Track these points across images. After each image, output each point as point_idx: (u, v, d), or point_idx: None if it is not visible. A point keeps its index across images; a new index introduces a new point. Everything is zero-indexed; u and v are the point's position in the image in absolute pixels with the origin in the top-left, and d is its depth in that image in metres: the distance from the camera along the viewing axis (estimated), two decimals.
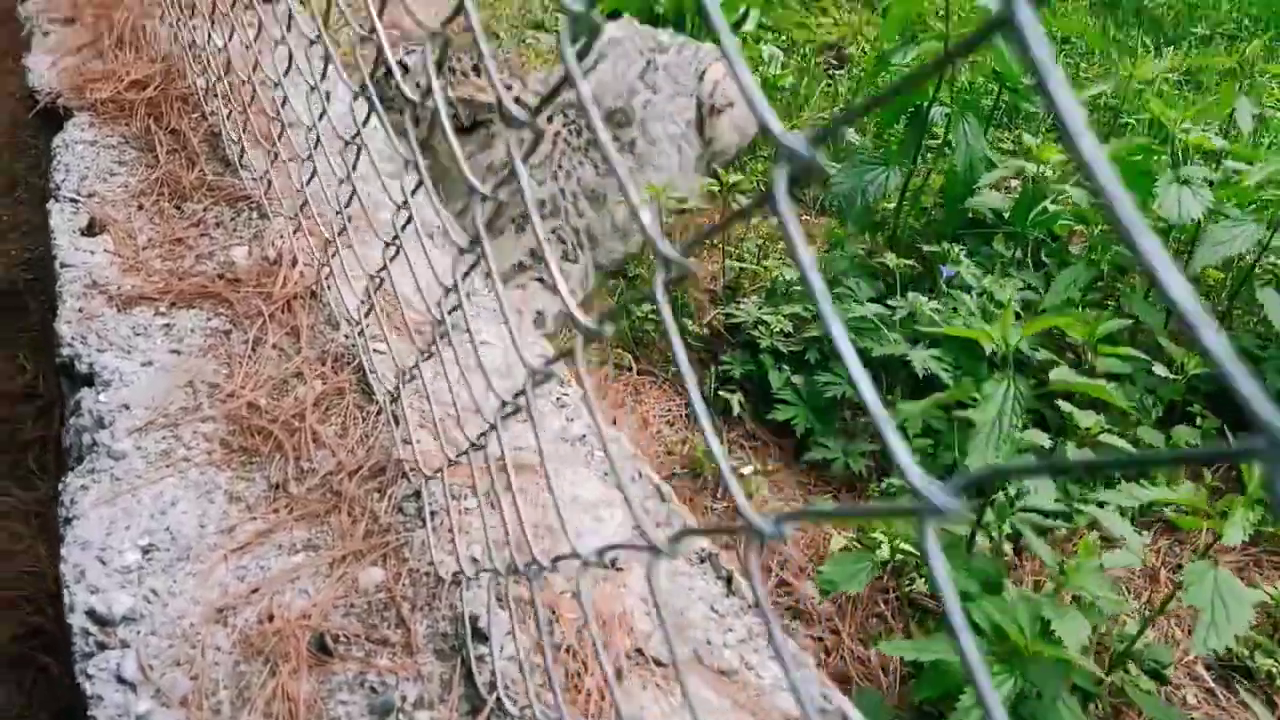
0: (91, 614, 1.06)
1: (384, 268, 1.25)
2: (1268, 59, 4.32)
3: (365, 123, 1.23)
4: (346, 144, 1.29)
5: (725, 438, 2.25)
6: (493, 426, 0.98)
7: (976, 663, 0.39)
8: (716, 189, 2.62)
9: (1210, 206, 2.04)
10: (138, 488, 1.21)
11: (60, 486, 1.25)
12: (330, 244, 1.44)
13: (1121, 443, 1.83)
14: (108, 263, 1.64)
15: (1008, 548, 1.72)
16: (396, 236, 1.22)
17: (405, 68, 2.54)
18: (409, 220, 1.16)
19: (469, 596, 1.05)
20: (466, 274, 1.07)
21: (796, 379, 2.25)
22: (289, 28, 1.47)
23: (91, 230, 1.70)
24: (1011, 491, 1.41)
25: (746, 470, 2.18)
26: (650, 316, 2.51)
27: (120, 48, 2.35)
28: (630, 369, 2.46)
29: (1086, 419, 1.81)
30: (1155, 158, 2.21)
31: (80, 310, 1.51)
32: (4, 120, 3.24)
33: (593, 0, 0.67)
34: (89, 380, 1.39)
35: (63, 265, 1.62)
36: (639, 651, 1.04)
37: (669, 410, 2.36)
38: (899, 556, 1.77)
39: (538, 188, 2.59)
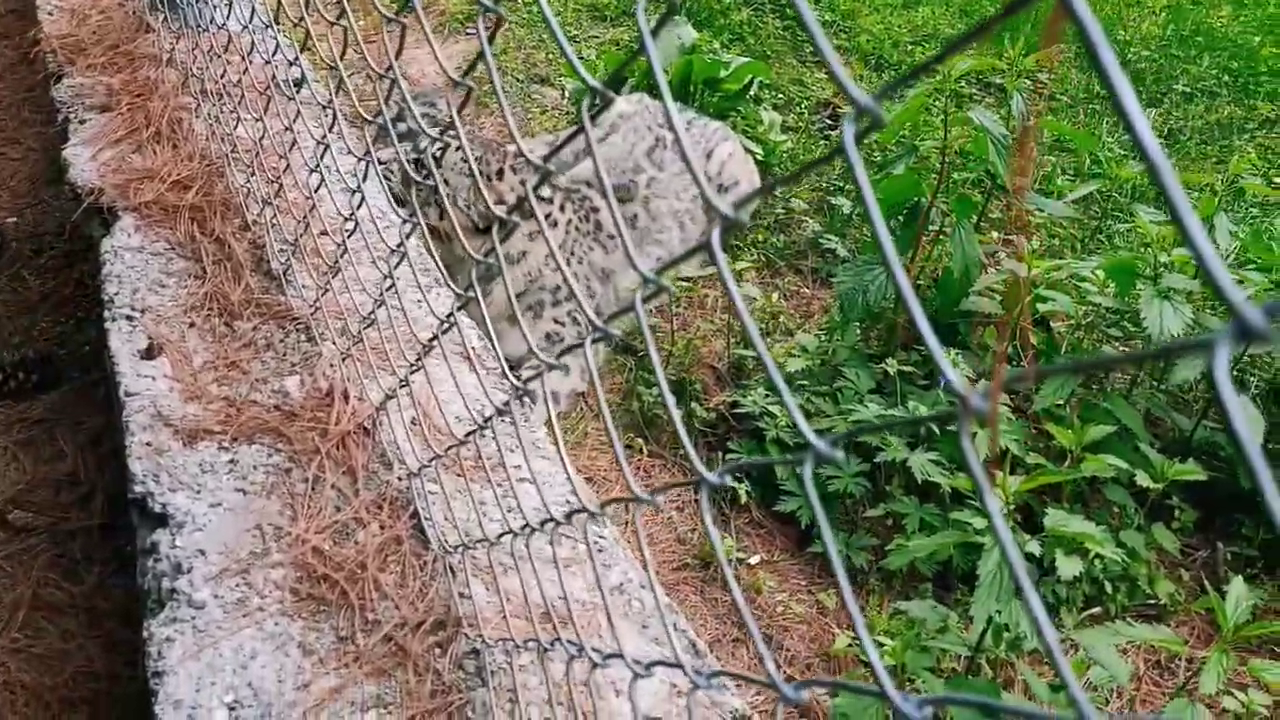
0: None
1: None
2: (1244, 122, 4.50)
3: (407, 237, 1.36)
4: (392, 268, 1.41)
5: (733, 527, 2.39)
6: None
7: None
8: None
9: (1189, 321, 2.18)
10: (219, 640, 1.33)
11: (145, 634, 1.37)
12: (390, 395, 1.56)
13: (1109, 551, 1.97)
14: (168, 389, 1.75)
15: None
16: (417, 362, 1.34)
17: (421, 164, 2.65)
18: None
19: None
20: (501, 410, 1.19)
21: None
22: (332, 128, 1.59)
23: (150, 354, 1.82)
24: (1014, 636, 1.55)
25: (754, 560, 2.31)
26: (661, 400, 2.64)
27: (158, 142, 2.45)
28: (641, 451, 2.59)
29: (1072, 526, 1.96)
30: (1139, 266, 2.35)
31: (148, 444, 1.63)
32: (22, 185, 3.33)
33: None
34: (163, 520, 1.51)
35: (127, 394, 1.73)
36: None
37: (678, 495, 2.49)
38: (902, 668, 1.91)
39: (550, 274, 2.71)
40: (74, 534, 2.23)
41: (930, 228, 2.67)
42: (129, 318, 1.91)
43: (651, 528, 2.38)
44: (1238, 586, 1.53)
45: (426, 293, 1.68)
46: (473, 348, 1.92)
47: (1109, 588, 2.11)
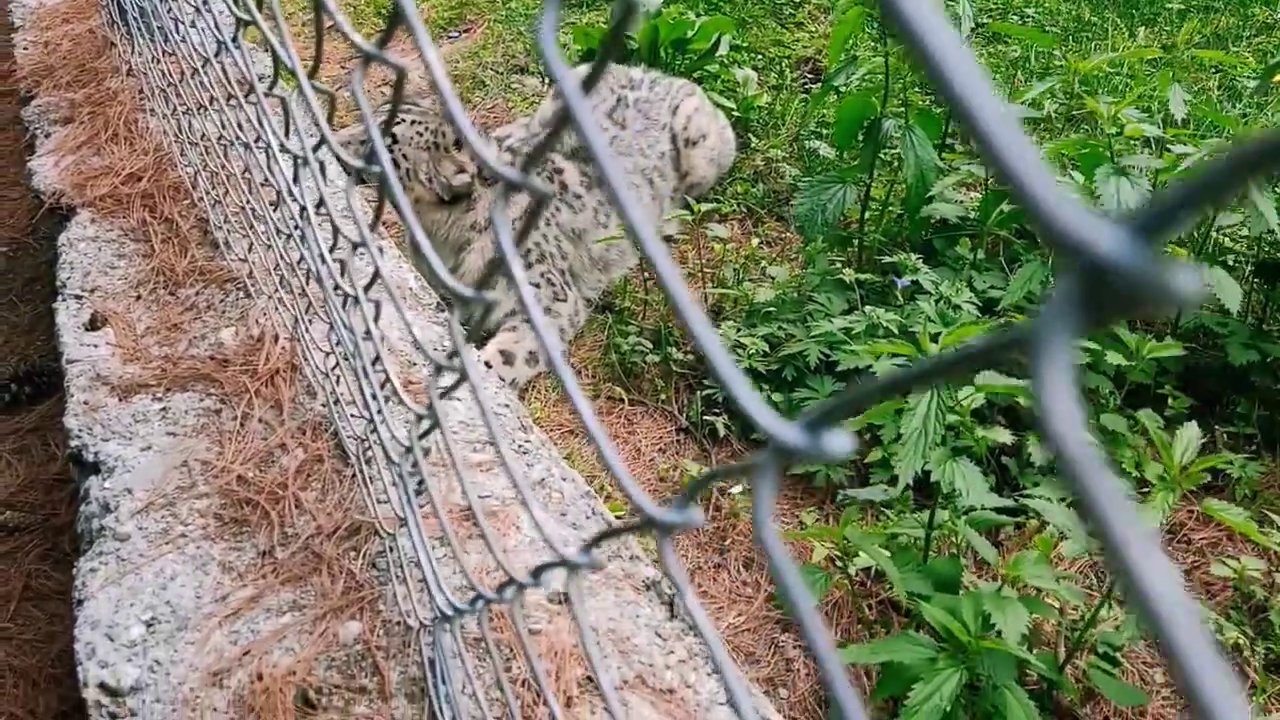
0: (103, 687, 1.19)
1: (333, 332, 1.37)
2: (1240, 30, 4.37)
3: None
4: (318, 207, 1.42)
5: (714, 460, 2.36)
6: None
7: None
8: (689, 218, 2.74)
9: (1149, 194, 2.11)
10: (140, 566, 1.34)
11: (74, 571, 1.38)
12: (299, 321, 1.57)
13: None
14: (110, 354, 1.78)
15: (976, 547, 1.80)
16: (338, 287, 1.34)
17: (394, 138, 2.67)
18: (374, 277, 1.28)
19: (431, 641, 1.16)
20: (444, 395, 1.18)
21: (776, 397, 2.34)
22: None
23: (94, 325, 1.85)
24: (947, 491, 1.50)
25: (735, 490, 2.28)
26: (638, 349, 2.62)
27: (115, 142, 2.51)
28: (623, 400, 2.57)
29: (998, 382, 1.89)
30: (1100, 149, 2.29)
31: (85, 403, 1.65)
32: (20, 221, 3.42)
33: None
34: (95, 469, 1.53)
35: (69, 361, 1.76)
36: (589, 679, 1.14)
37: (660, 438, 2.46)
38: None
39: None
40: (63, 528, 2.28)
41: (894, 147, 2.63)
42: (77, 297, 1.95)
43: (634, 468, 2.35)
44: (1189, 430, 1.47)
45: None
46: (409, 288, 1.93)
47: None
